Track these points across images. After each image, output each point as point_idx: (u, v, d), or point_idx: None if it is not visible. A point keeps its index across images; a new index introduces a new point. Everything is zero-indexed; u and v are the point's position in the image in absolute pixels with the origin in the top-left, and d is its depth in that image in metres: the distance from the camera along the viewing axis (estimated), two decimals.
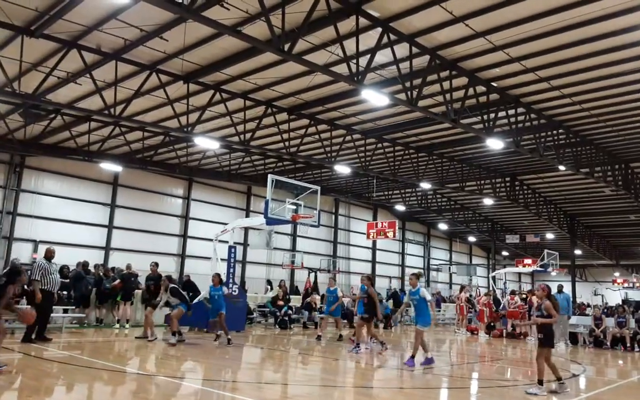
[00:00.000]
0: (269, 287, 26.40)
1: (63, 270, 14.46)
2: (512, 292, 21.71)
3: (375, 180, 28.20)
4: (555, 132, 19.28)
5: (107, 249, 25.22)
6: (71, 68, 14.84)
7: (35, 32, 12.92)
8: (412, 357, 10.37)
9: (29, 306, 10.67)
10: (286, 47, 11.51)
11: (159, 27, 12.70)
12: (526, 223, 38.68)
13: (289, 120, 19.14)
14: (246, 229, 28.65)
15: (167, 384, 8.27)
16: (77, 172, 24.52)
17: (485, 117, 16.80)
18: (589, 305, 27.96)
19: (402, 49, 13.16)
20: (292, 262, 31.33)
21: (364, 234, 30.43)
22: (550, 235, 38.08)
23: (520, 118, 17.54)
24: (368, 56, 12.74)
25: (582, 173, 22.40)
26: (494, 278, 31.77)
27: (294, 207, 16.96)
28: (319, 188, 17.10)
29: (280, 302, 19.23)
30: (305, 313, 19.78)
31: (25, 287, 13.11)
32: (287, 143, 19.92)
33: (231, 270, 16.79)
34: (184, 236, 28.47)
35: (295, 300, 21.41)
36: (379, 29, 12.42)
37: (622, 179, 23.96)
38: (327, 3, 11.18)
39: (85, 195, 24.97)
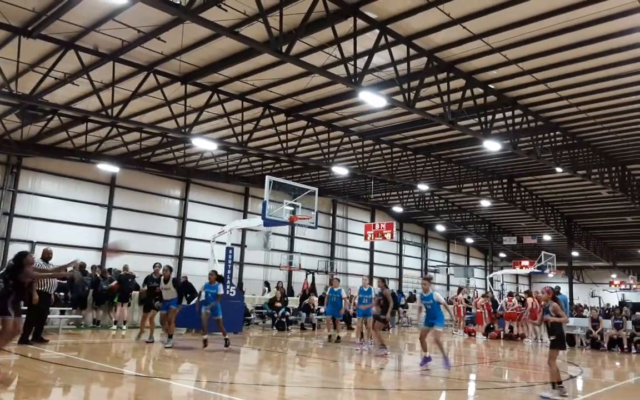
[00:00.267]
0: (266, 288, 26.38)
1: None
2: (510, 294, 21.75)
3: (372, 182, 28.21)
4: (552, 134, 19.31)
5: (104, 250, 25.14)
6: (68, 69, 14.81)
7: (32, 32, 12.89)
8: (445, 358, 10.54)
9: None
10: (284, 48, 11.50)
11: (156, 28, 12.68)
12: (523, 225, 38.73)
13: (286, 122, 19.13)
14: (244, 231, 28.64)
15: (164, 385, 8.26)
16: (75, 173, 24.46)
17: (482, 119, 16.82)
18: (586, 307, 28.00)
19: (399, 51, 13.17)
20: (290, 264, 31.32)
21: (362, 235, 30.42)
22: (547, 237, 38.14)
23: (517, 120, 17.57)
24: (366, 58, 12.74)
25: (579, 175, 22.45)
26: (491, 280, 31.83)
27: (292, 208, 16.99)
28: (316, 189, 17.14)
29: (278, 304, 19.23)
30: (303, 314, 19.78)
31: None
32: (284, 144, 19.92)
33: (229, 271, 16.78)
34: (182, 237, 28.43)
35: (292, 302, 21.40)
36: (377, 31, 12.43)
37: (618, 181, 24.01)
38: (324, 4, 11.18)
39: (83, 196, 24.91)
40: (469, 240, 46.20)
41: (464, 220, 39.05)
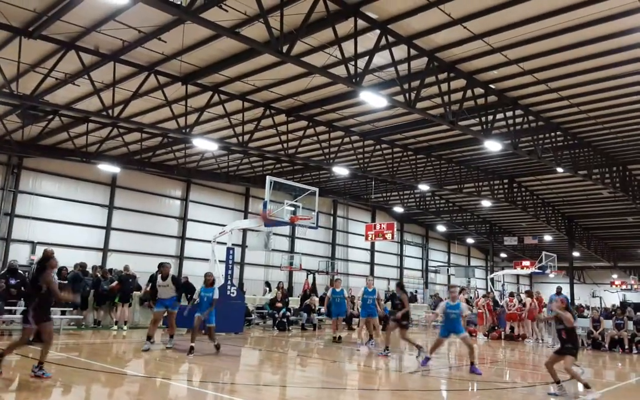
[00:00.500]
0: (267, 288, 26.39)
1: (61, 271, 14.43)
2: (511, 294, 21.74)
3: (373, 182, 28.20)
4: (553, 134, 19.31)
5: (105, 250, 25.17)
6: (69, 69, 14.83)
7: (33, 33, 12.90)
8: (472, 363, 10.60)
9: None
10: (284, 48, 11.50)
11: (157, 29, 12.69)
12: (524, 225, 38.71)
13: (287, 122, 19.13)
14: (244, 231, 28.65)
15: (164, 386, 8.26)
16: (75, 173, 24.48)
17: (483, 119, 16.82)
18: (587, 308, 27.97)
19: (400, 51, 13.17)
20: (291, 264, 31.33)
21: (363, 235, 30.44)
22: (548, 237, 38.11)
23: (518, 120, 17.57)
24: (366, 58, 12.74)
25: (580, 175, 22.45)
26: (492, 280, 31.78)
27: (293, 208, 16.99)
28: (317, 189, 17.16)
29: (279, 304, 19.22)
30: (304, 315, 19.77)
31: (23, 288, 13.14)
32: (285, 145, 19.92)
33: (229, 271, 16.78)
34: (182, 238, 28.44)
35: (292, 302, 21.39)
36: (377, 31, 12.43)
37: (619, 181, 24.00)
38: (325, 5, 11.18)
39: (83, 197, 24.93)
40: (470, 240, 46.18)
41: (464, 221, 39.04)
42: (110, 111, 15.99)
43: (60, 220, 23.89)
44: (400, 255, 41.26)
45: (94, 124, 20.26)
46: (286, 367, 11.35)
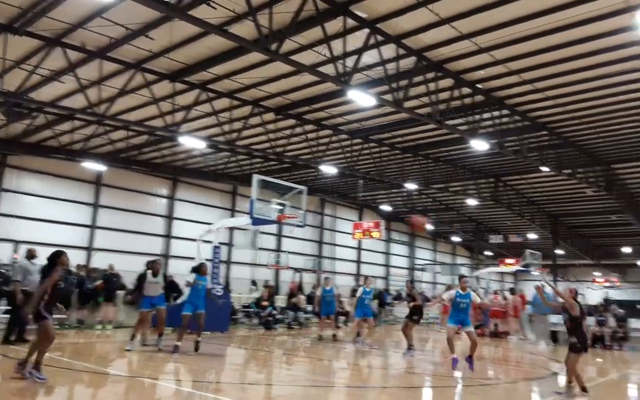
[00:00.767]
0: (253, 287, 26.33)
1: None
2: (495, 292, 21.97)
3: (361, 181, 28.26)
4: (538, 133, 19.52)
5: (89, 249, 24.90)
6: (55, 66, 14.62)
7: (18, 29, 12.71)
8: (470, 356, 10.59)
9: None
10: (273, 47, 11.48)
11: (144, 26, 12.57)
12: (509, 223, 39.05)
13: (275, 120, 19.09)
14: (231, 229, 28.53)
15: (149, 385, 8.22)
16: (60, 171, 24.17)
17: (470, 118, 16.95)
18: None
19: (388, 50, 13.21)
20: (277, 262, 31.27)
21: (350, 234, 30.50)
22: (533, 236, 38.51)
23: (504, 120, 17.73)
24: (355, 57, 12.77)
25: (564, 174, 22.71)
26: (477, 278, 32.06)
27: (280, 207, 16.95)
28: (305, 188, 17.13)
29: (265, 303, 19.17)
30: (291, 313, 19.75)
31: (6, 288, 12.97)
32: (273, 143, 19.88)
33: (215, 270, 16.71)
34: (168, 236, 28.25)
35: (279, 301, 21.36)
36: (366, 30, 12.45)
37: (603, 180, 24.33)
38: (314, 3, 11.18)
39: (68, 195, 24.63)
40: (456, 238, 46.51)
41: (451, 219, 39.29)
42: (96, 108, 15.83)
43: (44, 219, 23.57)
44: (387, 254, 41.44)
45: (79, 122, 19.98)
46: (272, 366, 11.35)
